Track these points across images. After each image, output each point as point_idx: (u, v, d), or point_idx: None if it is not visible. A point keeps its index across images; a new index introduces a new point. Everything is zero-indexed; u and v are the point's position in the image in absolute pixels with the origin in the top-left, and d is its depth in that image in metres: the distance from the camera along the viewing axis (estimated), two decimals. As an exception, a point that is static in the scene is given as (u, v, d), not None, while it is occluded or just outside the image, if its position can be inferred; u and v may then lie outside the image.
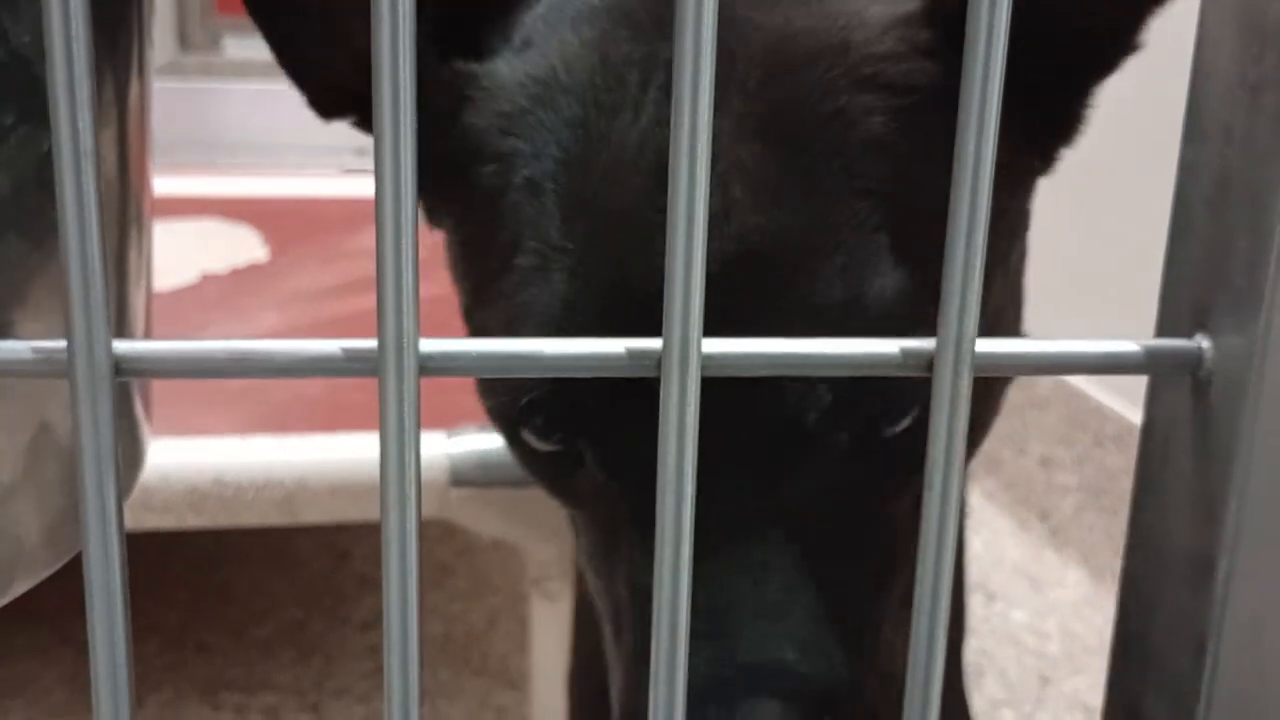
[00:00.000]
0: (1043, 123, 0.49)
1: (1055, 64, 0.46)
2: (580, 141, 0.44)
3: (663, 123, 0.42)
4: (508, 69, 0.47)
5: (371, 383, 0.26)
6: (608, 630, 0.48)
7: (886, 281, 0.42)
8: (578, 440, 0.45)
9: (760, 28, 0.44)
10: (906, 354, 0.28)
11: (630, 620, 0.45)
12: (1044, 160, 0.51)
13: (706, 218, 0.26)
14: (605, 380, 0.41)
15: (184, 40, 2.48)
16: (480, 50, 0.49)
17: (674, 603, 0.27)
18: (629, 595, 0.45)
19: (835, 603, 0.44)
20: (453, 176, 0.48)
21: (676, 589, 0.27)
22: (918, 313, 0.41)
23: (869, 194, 0.42)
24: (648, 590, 0.44)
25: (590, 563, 0.49)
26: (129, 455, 0.41)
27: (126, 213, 0.39)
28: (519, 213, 0.44)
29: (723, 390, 0.39)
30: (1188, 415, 0.30)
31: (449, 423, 0.88)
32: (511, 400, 0.44)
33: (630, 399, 0.40)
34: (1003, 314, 0.52)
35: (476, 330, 0.48)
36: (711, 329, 0.41)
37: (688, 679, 0.39)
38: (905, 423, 0.44)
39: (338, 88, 0.54)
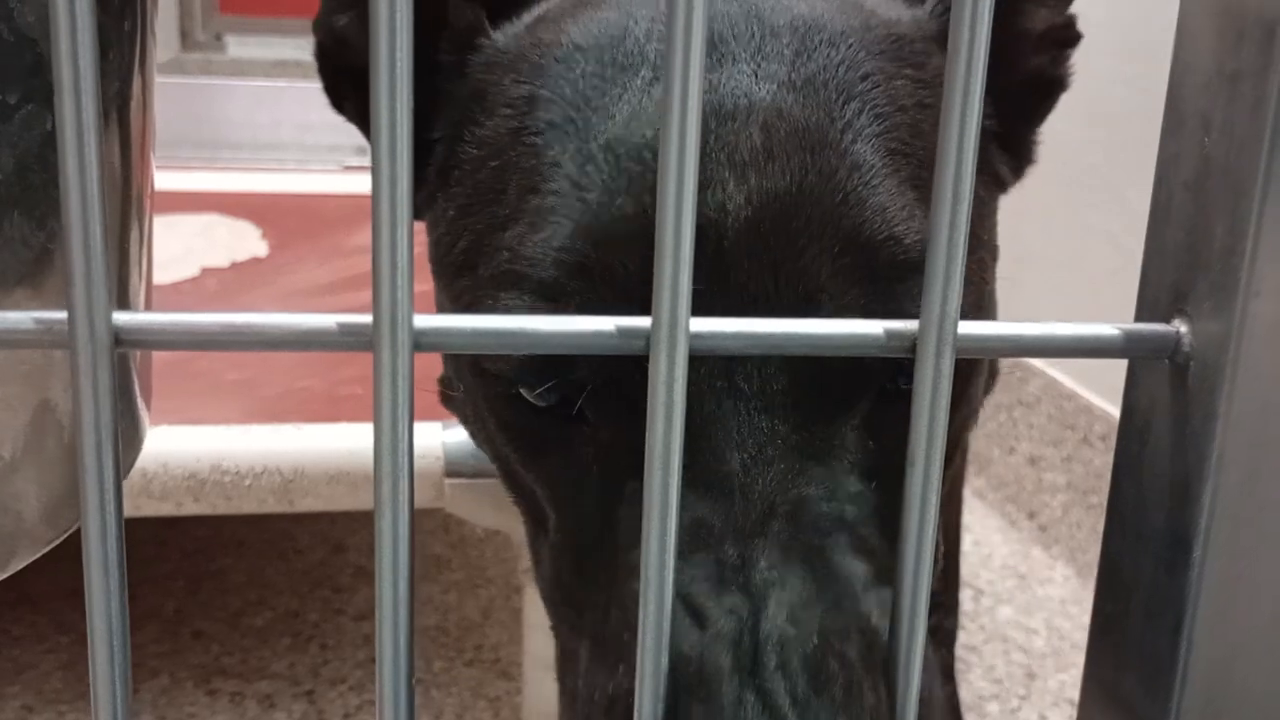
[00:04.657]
0: (1000, 158, 0.55)
1: (1007, 109, 0.53)
2: (600, 91, 0.45)
3: None
4: (524, 30, 0.50)
5: (368, 377, 0.26)
6: (592, 618, 0.46)
7: (918, 225, 0.43)
8: (577, 394, 0.44)
9: (791, 10, 0.47)
10: (890, 335, 0.29)
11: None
12: (1001, 188, 0.56)
13: (695, 203, 0.26)
14: (626, 363, 0.42)
15: (186, 39, 2.48)
16: (496, 18, 0.51)
17: (660, 579, 0.28)
18: (625, 555, 0.44)
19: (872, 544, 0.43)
20: (456, 141, 0.48)
21: (663, 567, 0.28)
22: None
23: (896, 153, 0.45)
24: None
25: (575, 539, 0.47)
26: (127, 436, 0.41)
27: (128, 199, 0.39)
28: (540, 154, 0.45)
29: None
30: (1165, 399, 0.30)
31: (443, 415, 0.89)
32: (509, 358, 0.44)
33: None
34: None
35: (461, 294, 0.48)
36: (757, 260, 0.43)
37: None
38: None
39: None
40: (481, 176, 0.47)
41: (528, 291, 0.43)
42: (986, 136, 0.51)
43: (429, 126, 0.51)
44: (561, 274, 0.43)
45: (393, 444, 0.27)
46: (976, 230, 0.50)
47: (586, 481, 0.46)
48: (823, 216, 0.43)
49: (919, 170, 0.45)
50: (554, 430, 0.46)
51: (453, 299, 0.50)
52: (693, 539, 0.41)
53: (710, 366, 0.42)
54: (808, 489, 0.43)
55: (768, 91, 0.44)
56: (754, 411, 0.42)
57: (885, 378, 0.44)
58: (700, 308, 0.40)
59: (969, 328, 0.28)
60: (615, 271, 0.42)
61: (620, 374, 0.43)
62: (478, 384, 0.47)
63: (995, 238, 0.55)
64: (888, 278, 0.43)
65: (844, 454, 0.44)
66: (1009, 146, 0.55)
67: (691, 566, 0.40)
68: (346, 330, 0.27)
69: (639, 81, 0.45)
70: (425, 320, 0.27)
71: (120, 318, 0.26)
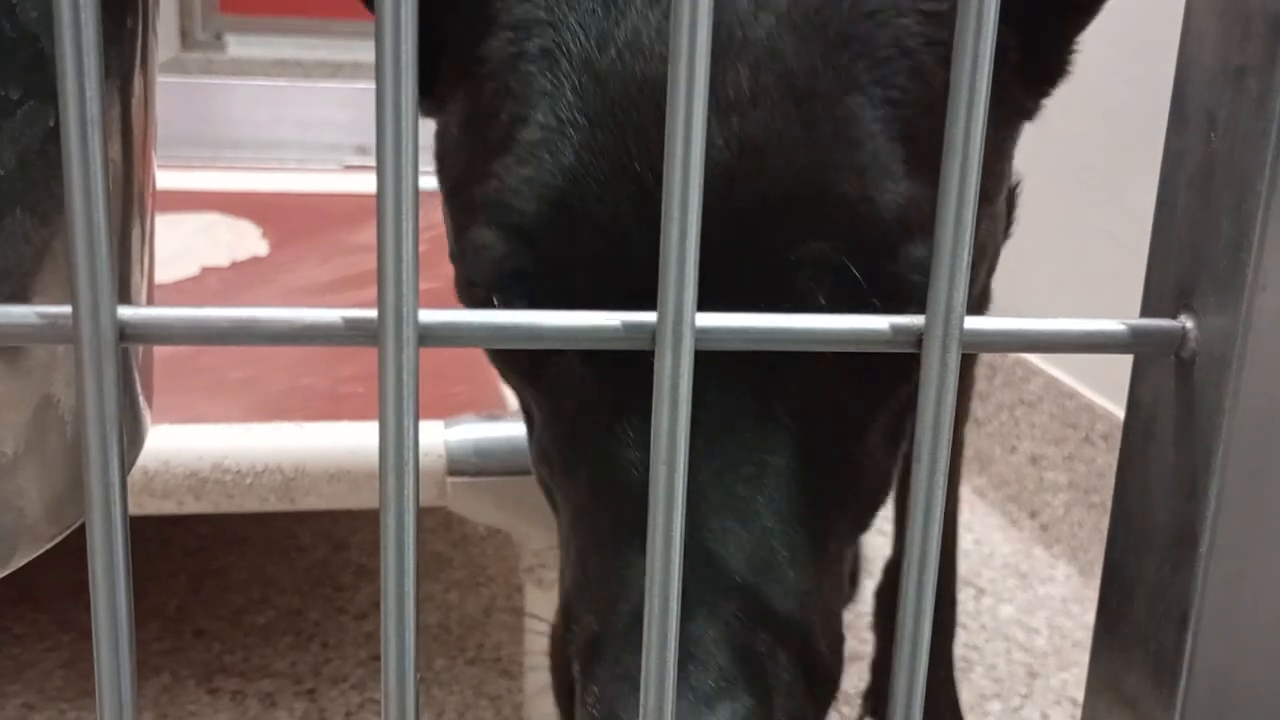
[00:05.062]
0: (1032, 67, 0.51)
1: (1041, 13, 0.49)
2: (600, 15, 0.44)
3: None
4: None
5: (371, 376, 0.26)
6: (563, 525, 0.48)
7: (899, 188, 0.42)
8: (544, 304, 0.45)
9: None
10: (896, 329, 0.29)
11: (590, 508, 0.45)
12: (1031, 100, 0.53)
13: (700, 200, 0.26)
14: (589, 257, 0.43)
15: (186, 38, 2.49)
16: None
17: (665, 571, 0.28)
18: (594, 480, 0.45)
19: (804, 520, 0.44)
20: (466, 47, 0.48)
21: (668, 559, 0.28)
22: (918, 225, 0.42)
23: (892, 102, 0.43)
24: (614, 475, 0.44)
25: (550, 458, 0.49)
26: (130, 433, 0.41)
27: (130, 196, 0.39)
28: (531, 83, 0.44)
29: (729, 277, 0.41)
30: (1171, 394, 0.30)
31: (445, 413, 0.89)
32: (495, 270, 0.44)
33: (614, 276, 0.42)
34: (983, 250, 0.54)
35: (458, 213, 0.48)
36: (728, 214, 0.42)
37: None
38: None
39: None
40: (483, 96, 0.47)
41: (507, 226, 0.44)
42: (1009, 71, 0.49)
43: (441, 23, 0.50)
44: (541, 210, 0.43)
45: (398, 439, 0.26)
46: (991, 165, 0.50)
47: (555, 384, 0.47)
48: (800, 174, 0.42)
49: (914, 119, 0.43)
50: (536, 353, 0.47)
51: (450, 214, 0.50)
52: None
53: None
54: (744, 466, 0.43)
55: (765, 27, 0.43)
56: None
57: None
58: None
59: (975, 323, 0.28)
60: (594, 212, 0.42)
61: (602, 299, 0.44)
62: (468, 295, 0.48)
63: (1010, 164, 0.54)
64: (864, 242, 0.42)
65: (773, 420, 0.44)
66: (1037, 72, 0.52)
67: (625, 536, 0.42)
68: (352, 325, 0.27)
69: (638, 3, 0.44)
70: (431, 315, 0.27)
71: (125, 312, 0.26)
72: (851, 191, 0.42)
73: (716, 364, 0.42)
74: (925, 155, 0.43)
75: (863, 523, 0.51)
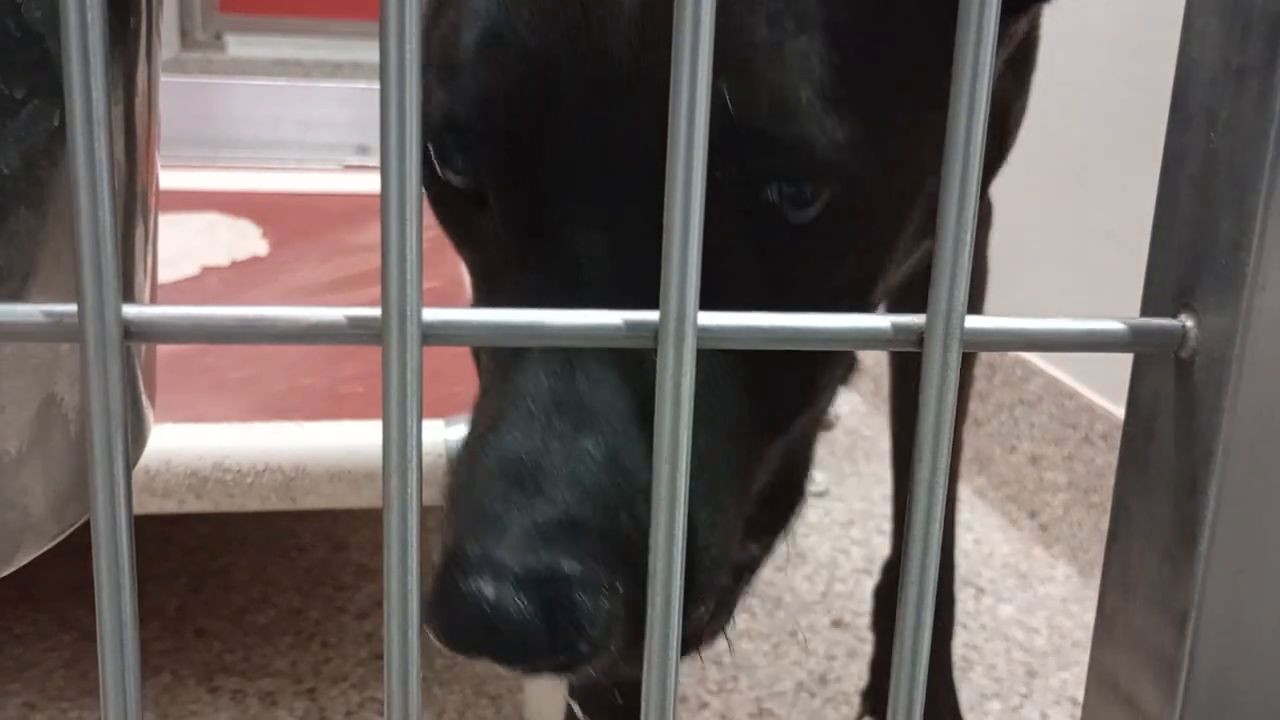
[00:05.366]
0: (1014, 19, 0.51)
1: None
2: None
3: None
4: None
5: (372, 375, 0.26)
6: (481, 380, 0.49)
7: (797, 43, 0.42)
8: (482, 181, 0.46)
9: None
10: (897, 329, 0.29)
11: (500, 360, 0.46)
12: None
13: (702, 202, 0.26)
14: (521, 96, 0.43)
15: (186, 38, 2.49)
16: None
17: (668, 570, 0.28)
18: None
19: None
20: None
21: (670, 559, 0.28)
22: (814, 81, 0.42)
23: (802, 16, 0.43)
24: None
25: (473, 298, 0.50)
26: (133, 432, 0.41)
27: (133, 195, 0.39)
28: None
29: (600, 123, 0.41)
30: (1171, 393, 0.31)
31: (446, 412, 0.89)
32: (432, 124, 0.45)
33: (537, 152, 0.43)
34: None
35: (427, 51, 0.49)
36: (629, 47, 0.42)
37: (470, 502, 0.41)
38: (812, 211, 0.44)
39: None
40: None
41: (444, 69, 0.44)
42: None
43: None
44: (474, 46, 0.44)
45: (402, 438, 0.27)
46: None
47: (485, 257, 0.48)
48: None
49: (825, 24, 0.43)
50: (467, 211, 0.48)
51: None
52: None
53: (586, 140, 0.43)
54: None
55: None
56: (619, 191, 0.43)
57: (743, 196, 0.44)
58: (532, 150, 0.42)
59: (975, 322, 0.28)
60: (526, 43, 0.43)
61: (507, 156, 0.44)
62: (430, 181, 0.48)
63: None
64: (751, 94, 0.42)
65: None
66: None
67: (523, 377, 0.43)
68: (355, 323, 0.27)
69: None
70: (435, 314, 0.27)
71: (129, 310, 0.26)
72: (748, 38, 0.42)
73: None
74: (849, 44, 0.43)
75: (785, 420, 0.50)
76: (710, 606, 0.47)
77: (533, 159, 0.44)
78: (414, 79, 0.25)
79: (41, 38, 0.32)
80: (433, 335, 0.27)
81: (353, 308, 0.27)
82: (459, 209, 0.48)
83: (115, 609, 0.27)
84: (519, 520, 0.41)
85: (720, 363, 0.45)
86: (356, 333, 0.27)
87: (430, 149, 0.46)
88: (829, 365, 0.50)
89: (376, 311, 0.26)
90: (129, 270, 0.39)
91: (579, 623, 0.40)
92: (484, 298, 0.49)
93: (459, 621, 0.40)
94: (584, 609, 0.40)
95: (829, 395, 0.53)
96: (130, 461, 0.28)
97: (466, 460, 0.44)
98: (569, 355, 0.43)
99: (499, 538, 0.40)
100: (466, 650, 0.41)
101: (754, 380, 0.46)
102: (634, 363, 0.43)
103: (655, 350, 0.27)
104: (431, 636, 0.40)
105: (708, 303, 0.40)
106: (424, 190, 0.47)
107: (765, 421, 0.47)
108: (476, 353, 0.50)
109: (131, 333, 0.26)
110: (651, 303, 0.27)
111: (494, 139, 0.44)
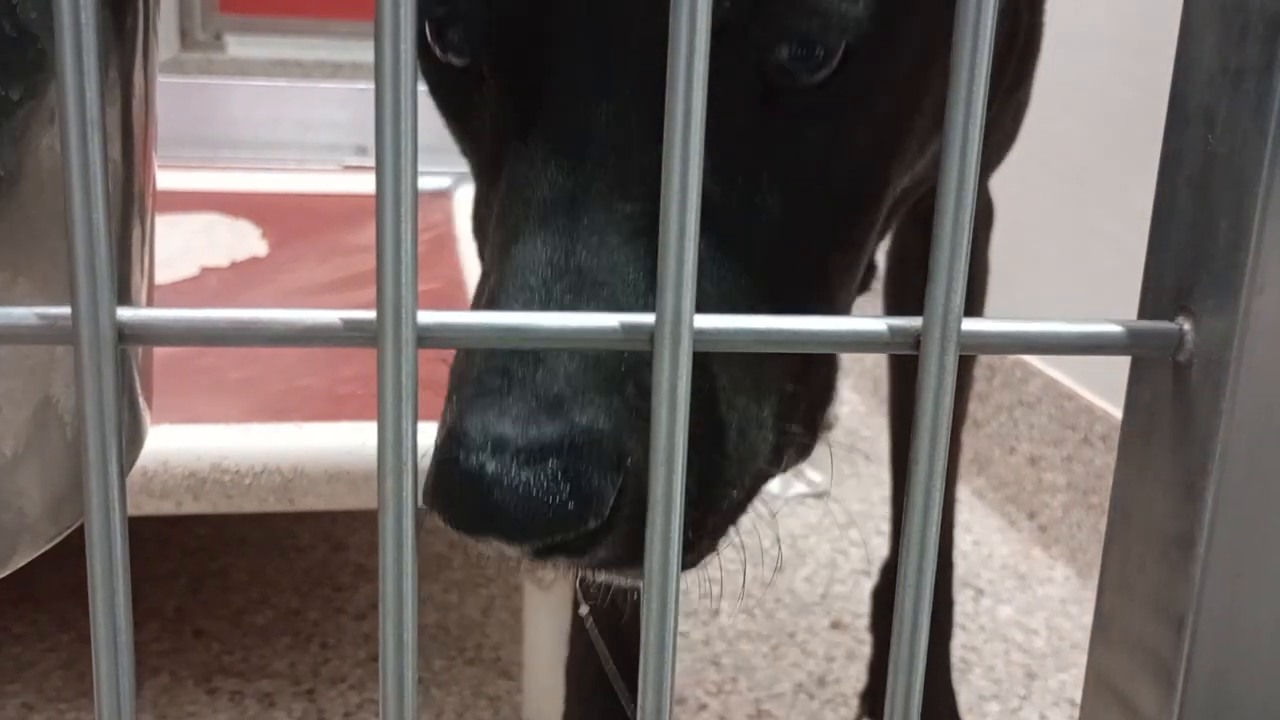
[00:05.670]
0: None
1: None
2: None
3: None
4: None
5: (371, 377, 0.26)
6: (484, 263, 0.48)
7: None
8: (481, 57, 0.46)
9: None
10: (894, 331, 0.29)
11: (498, 239, 0.45)
12: None
13: (699, 202, 0.26)
14: (519, 7, 0.43)
15: (186, 38, 2.49)
16: None
17: (664, 574, 0.28)
18: (502, 203, 0.45)
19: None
20: None
21: (666, 562, 0.28)
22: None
23: None
24: (516, 196, 0.44)
25: (476, 199, 0.49)
26: (129, 434, 0.41)
27: (130, 196, 0.39)
28: None
29: None
30: (1168, 396, 0.30)
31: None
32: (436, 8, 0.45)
33: (536, 24, 0.43)
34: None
35: None
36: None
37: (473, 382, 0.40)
38: (823, 73, 0.44)
39: None
40: None
41: None
42: None
43: None
44: None
45: (396, 441, 0.27)
46: None
47: (485, 138, 0.48)
48: None
49: None
50: (466, 91, 0.47)
51: None
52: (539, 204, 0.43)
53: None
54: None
55: None
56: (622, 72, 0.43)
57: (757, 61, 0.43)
58: (531, 23, 0.42)
59: (972, 324, 0.28)
60: None
61: (505, 30, 0.44)
62: (427, 65, 0.48)
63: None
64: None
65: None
66: None
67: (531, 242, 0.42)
68: (350, 326, 0.27)
69: None
70: (429, 316, 0.27)
71: (124, 313, 0.26)
72: None
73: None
74: None
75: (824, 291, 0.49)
76: (744, 490, 0.46)
77: (531, 32, 0.44)
78: (409, 80, 0.25)
79: (37, 38, 0.32)
80: (428, 338, 0.27)
81: (348, 310, 0.27)
82: (458, 89, 0.48)
83: (109, 612, 0.27)
84: (519, 394, 0.39)
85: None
86: (351, 335, 0.27)
87: (427, 29, 0.46)
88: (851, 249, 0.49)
89: (371, 314, 0.26)
90: (125, 271, 0.39)
91: (586, 494, 0.38)
92: (485, 181, 0.48)
93: (462, 500, 0.38)
94: (591, 480, 0.38)
95: (855, 272, 0.51)
96: (126, 464, 0.28)
97: None
98: (569, 227, 0.42)
99: (499, 412, 0.39)
100: (471, 529, 0.39)
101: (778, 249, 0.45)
102: (634, 232, 0.42)
103: (658, 217, 0.26)
104: (437, 520, 0.39)
105: (717, 167, 0.40)
106: (422, 76, 0.48)
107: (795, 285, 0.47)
108: (480, 238, 0.49)
109: (126, 335, 0.26)
110: (651, 173, 0.26)
111: (491, 12, 0.44)
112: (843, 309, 0.50)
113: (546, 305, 0.41)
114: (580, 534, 0.39)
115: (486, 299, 0.43)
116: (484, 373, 0.40)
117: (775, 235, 0.45)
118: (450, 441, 0.39)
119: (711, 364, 0.43)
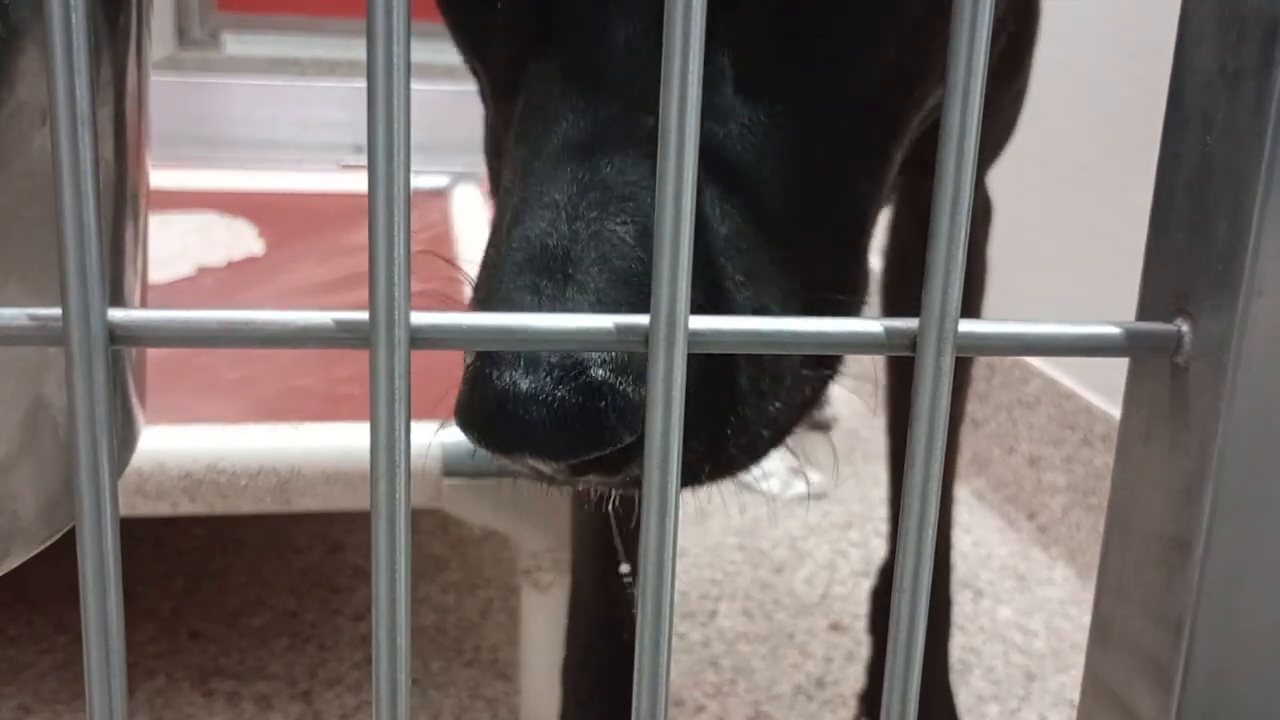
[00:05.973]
0: None
1: None
2: None
3: None
4: None
5: (365, 376, 0.26)
6: (500, 198, 0.47)
7: None
8: None
9: None
10: (890, 333, 0.28)
11: (520, 155, 0.45)
12: None
13: (694, 205, 0.26)
14: None
15: (183, 36, 2.48)
16: None
17: (659, 578, 0.28)
18: (521, 121, 0.45)
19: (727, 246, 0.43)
20: None
21: (661, 566, 0.28)
22: None
23: None
24: (536, 115, 0.44)
25: (490, 122, 0.49)
26: (122, 435, 0.41)
27: (123, 195, 0.39)
28: None
29: None
30: (1166, 398, 0.30)
31: (441, 413, 0.89)
32: None
33: None
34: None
35: None
36: None
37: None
38: None
39: None
40: None
41: None
42: None
43: None
44: None
45: (389, 442, 0.26)
46: None
47: (498, 61, 0.47)
48: None
49: None
50: (478, 12, 0.47)
51: None
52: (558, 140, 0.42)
53: None
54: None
55: None
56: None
57: None
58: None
59: (969, 325, 0.28)
60: None
61: None
62: None
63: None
64: None
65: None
66: None
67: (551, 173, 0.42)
68: (343, 327, 0.27)
69: None
70: (422, 317, 0.27)
71: (115, 314, 0.26)
72: None
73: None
74: None
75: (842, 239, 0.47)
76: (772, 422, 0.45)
77: None
78: (402, 80, 0.25)
79: (29, 38, 0.32)
80: (421, 339, 0.27)
81: (341, 311, 0.27)
82: (469, 11, 0.48)
83: (100, 615, 0.27)
84: (550, 308, 0.39)
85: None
86: (344, 336, 0.27)
87: None
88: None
89: (364, 315, 0.26)
90: (118, 272, 0.39)
91: (621, 410, 0.37)
92: (496, 106, 0.48)
93: (495, 418, 0.38)
94: (625, 395, 0.38)
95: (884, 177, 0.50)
96: (118, 466, 0.28)
97: (492, 256, 0.42)
98: (591, 144, 0.42)
99: None
100: (505, 448, 0.38)
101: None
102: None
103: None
104: (469, 440, 0.38)
105: (739, 75, 0.42)
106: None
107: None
108: (494, 161, 0.49)
109: (117, 336, 0.26)
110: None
111: None
112: (865, 244, 0.49)
113: (573, 222, 0.40)
114: (615, 450, 0.38)
115: (510, 217, 0.42)
116: (513, 288, 0.39)
117: (797, 151, 0.44)
118: (482, 360, 0.38)
119: (726, 282, 0.42)
